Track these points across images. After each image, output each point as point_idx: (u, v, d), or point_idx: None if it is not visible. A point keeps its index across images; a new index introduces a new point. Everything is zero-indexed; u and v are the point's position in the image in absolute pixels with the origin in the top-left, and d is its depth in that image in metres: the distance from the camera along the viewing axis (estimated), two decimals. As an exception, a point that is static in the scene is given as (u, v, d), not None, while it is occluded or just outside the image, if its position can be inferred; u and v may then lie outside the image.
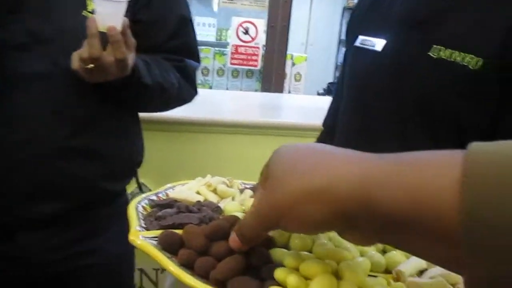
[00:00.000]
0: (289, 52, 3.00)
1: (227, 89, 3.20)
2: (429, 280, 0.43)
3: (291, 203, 0.32)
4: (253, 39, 3.00)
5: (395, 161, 0.30)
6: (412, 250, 0.30)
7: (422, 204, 0.27)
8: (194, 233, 0.42)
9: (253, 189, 0.61)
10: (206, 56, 3.03)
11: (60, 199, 0.92)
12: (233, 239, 0.39)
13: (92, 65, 0.82)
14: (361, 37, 0.83)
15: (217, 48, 3.19)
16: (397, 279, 0.44)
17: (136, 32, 0.91)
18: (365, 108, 0.79)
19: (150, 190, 1.49)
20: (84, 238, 1.00)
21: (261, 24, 2.98)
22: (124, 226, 1.16)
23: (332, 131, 0.94)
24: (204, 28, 3.76)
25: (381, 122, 0.75)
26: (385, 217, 0.29)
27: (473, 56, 0.64)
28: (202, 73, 3.09)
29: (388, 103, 0.75)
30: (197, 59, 1.13)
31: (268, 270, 0.39)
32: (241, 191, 0.59)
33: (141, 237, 0.45)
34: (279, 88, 2.90)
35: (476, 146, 0.26)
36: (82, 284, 1.03)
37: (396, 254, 0.48)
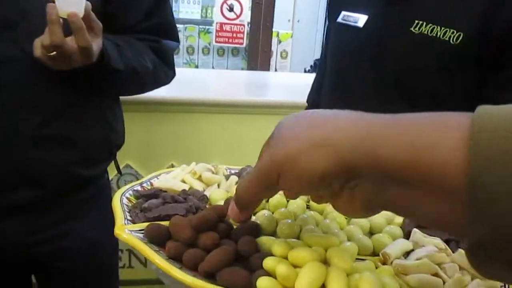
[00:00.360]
0: (274, 29, 2.97)
1: (212, 67, 3.17)
2: (415, 262, 0.43)
3: (294, 153, 0.32)
4: (238, 16, 2.96)
5: (402, 120, 0.31)
6: (412, 208, 0.30)
7: (428, 162, 0.27)
8: (181, 225, 0.41)
9: (238, 174, 0.60)
10: (191, 34, 2.99)
11: (35, 186, 0.91)
12: (232, 209, 0.38)
13: (54, 52, 0.79)
14: (343, 13, 0.84)
15: (202, 26, 3.14)
16: (384, 261, 0.44)
17: (108, 13, 0.88)
18: (347, 82, 0.81)
19: (136, 171, 1.50)
20: (61, 221, 0.99)
21: (246, 0, 2.93)
22: (104, 208, 1.15)
23: (317, 107, 0.94)
24: (189, 6, 3.69)
25: (363, 95, 0.77)
26: (388, 171, 0.29)
27: (454, 31, 0.66)
28: (187, 52, 3.05)
29: (370, 77, 0.77)
30: (175, 38, 1.10)
31: (257, 259, 0.38)
32: (227, 177, 0.58)
33: (127, 231, 0.44)
34: (265, 66, 2.88)
35: (483, 110, 0.26)
36: (61, 266, 1.03)
37: (383, 236, 0.48)
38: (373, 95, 0.77)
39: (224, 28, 2.93)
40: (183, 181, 0.56)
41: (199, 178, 0.58)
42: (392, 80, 0.74)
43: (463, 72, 0.68)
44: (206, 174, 0.58)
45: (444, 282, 0.41)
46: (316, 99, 0.97)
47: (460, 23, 0.67)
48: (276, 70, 3.09)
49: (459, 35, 0.66)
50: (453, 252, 0.45)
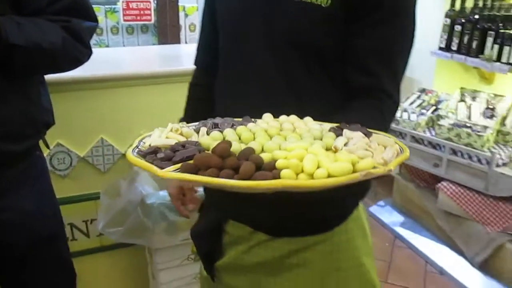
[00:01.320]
0: (180, 3, 3.05)
1: (123, 46, 3.19)
2: (353, 146, 0.61)
3: None
4: (143, -7, 3.00)
5: None
6: None
7: None
8: (208, 156, 0.54)
9: (202, 126, 0.72)
10: (98, 15, 2.99)
11: None
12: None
13: None
14: None
15: (107, 6, 3.14)
16: (335, 151, 0.61)
17: None
18: (243, 38, 0.91)
19: (67, 149, 1.59)
20: None
21: (149, -23, 2.98)
22: (39, 182, 1.24)
23: (207, 68, 1.06)
24: (89, -14, 3.61)
25: (260, 56, 0.90)
26: None
27: None
28: (96, 33, 3.04)
29: (262, 32, 0.88)
30: (91, 18, 1.13)
31: (269, 165, 0.55)
32: (196, 131, 0.70)
33: (170, 172, 0.54)
34: (175, 40, 2.97)
35: None
36: (2, 241, 1.09)
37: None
38: (267, 47, 0.88)
39: (130, 6, 2.97)
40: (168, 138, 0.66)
41: (180, 134, 0.68)
42: (281, 35, 0.87)
43: (335, 27, 0.86)
44: (185, 130, 0.68)
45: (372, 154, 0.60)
46: (205, 59, 1.07)
47: None
48: (186, 43, 3.19)
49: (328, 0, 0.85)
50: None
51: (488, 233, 2.34)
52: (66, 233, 1.31)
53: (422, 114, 2.73)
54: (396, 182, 2.99)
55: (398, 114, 2.79)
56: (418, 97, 2.90)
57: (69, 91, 1.56)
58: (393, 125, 2.57)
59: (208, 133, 0.68)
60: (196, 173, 0.54)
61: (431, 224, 2.68)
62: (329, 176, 0.53)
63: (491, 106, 2.49)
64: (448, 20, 2.60)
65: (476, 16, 2.47)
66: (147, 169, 0.57)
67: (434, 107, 2.77)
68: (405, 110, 2.80)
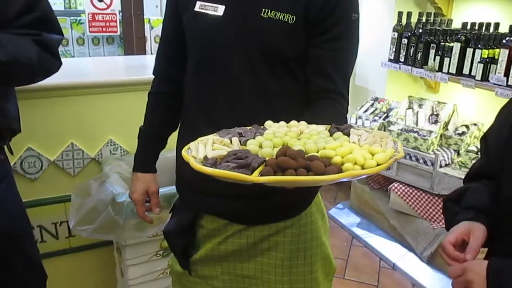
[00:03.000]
0: (146, 16, 3.15)
1: (89, 56, 3.25)
2: (368, 141, 0.75)
3: None
4: (108, 6, 3.08)
5: None
6: None
7: None
8: (284, 160, 0.65)
9: (227, 135, 0.81)
10: (63, 26, 3.05)
11: None
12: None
13: None
14: (199, 3, 1.04)
15: (73, 17, 3.20)
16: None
17: None
18: (217, 58, 1.03)
19: (38, 153, 1.66)
20: None
21: (114, -10, 3.07)
22: (4, 183, 1.29)
23: (170, 78, 1.17)
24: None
25: (234, 62, 1.02)
26: None
27: (289, 14, 0.98)
28: (62, 43, 3.10)
29: (237, 51, 1.01)
30: (57, 31, 1.18)
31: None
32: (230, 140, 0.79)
33: (257, 176, 0.64)
34: (141, 51, 3.06)
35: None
36: None
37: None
38: (237, 62, 1.00)
39: (96, 18, 3.04)
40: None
41: (225, 144, 0.77)
42: (251, 51, 0.99)
43: (299, 40, 0.99)
44: (227, 141, 0.77)
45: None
46: (169, 69, 1.18)
47: (292, 9, 0.97)
48: (152, 53, 3.29)
49: (293, 17, 0.98)
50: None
51: (434, 229, 2.54)
52: (34, 235, 1.35)
53: (375, 120, 2.93)
54: (353, 185, 3.17)
55: (353, 121, 2.98)
56: (372, 105, 3.11)
57: (39, 98, 1.62)
58: (348, 131, 2.75)
59: (241, 143, 0.78)
60: (274, 175, 0.64)
61: (384, 223, 2.87)
62: (377, 164, 0.67)
63: (435, 113, 2.71)
64: (396, 34, 2.82)
65: (420, 30, 2.70)
66: (236, 178, 0.64)
67: (385, 114, 2.98)
68: (360, 117, 2.99)
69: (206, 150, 0.74)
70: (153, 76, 1.26)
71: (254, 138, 0.78)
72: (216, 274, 1.16)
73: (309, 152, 0.70)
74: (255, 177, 0.63)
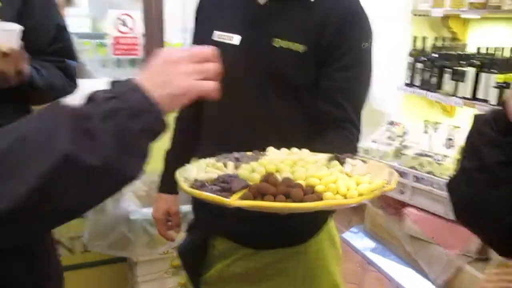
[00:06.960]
0: (168, 39, 3.24)
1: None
2: (359, 171, 0.78)
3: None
4: (131, 29, 3.19)
5: None
6: None
7: None
8: (263, 186, 0.68)
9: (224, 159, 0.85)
10: (88, 48, 3.16)
11: None
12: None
13: None
14: (217, 32, 1.10)
15: (97, 40, 3.32)
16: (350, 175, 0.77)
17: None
18: (232, 85, 1.05)
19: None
20: None
21: (137, 14, 3.18)
22: None
23: (192, 102, 1.22)
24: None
25: (247, 90, 1.08)
26: None
27: (300, 44, 1.03)
28: (85, 64, 3.21)
29: (249, 78, 1.07)
30: (75, 58, 1.38)
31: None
32: (225, 165, 0.82)
33: (236, 200, 0.67)
34: (161, 73, 3.13)
35: None
36: None
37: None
38: (251, 88, 1.06)
39: (120, 42, 3.15)
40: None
41: (217, 168, 0.81)
42: (264, 77, 1.05)
43: (309, 69, 1.04)
44: (220, 165, 0.81)
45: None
46: None
47: (303, 39, 1.02)
48: (172, 76, 3.37)
49: (304, 47, 1.03)
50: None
51: (447, 255, 2.51)
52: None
53: (390, 144, 2.94)
54: (368, 209, 3.16)
55: (368, 144, 2.99)
56: (387, 129, 3.11)
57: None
58: (363, 155, 2.76)
59: (236, 167, 0.80)
60: (254, 200, 0.66)
61: (398, 248, 2.84)
62: (359, 195, 0.67)
63: (450, 137, 2.70)
64: (411, 59, 2.84)
65: (435, 55, 2.72)
66: (215, 200, 0.66)
67: (401, 138, 2.98)
68: (374, 141, 3.00)
69: (197, 172, 0.77)
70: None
71: (248, 163, 0.80)
72: None
73: (297, 179, 0.72)
74: (232, 200, 0.66)
